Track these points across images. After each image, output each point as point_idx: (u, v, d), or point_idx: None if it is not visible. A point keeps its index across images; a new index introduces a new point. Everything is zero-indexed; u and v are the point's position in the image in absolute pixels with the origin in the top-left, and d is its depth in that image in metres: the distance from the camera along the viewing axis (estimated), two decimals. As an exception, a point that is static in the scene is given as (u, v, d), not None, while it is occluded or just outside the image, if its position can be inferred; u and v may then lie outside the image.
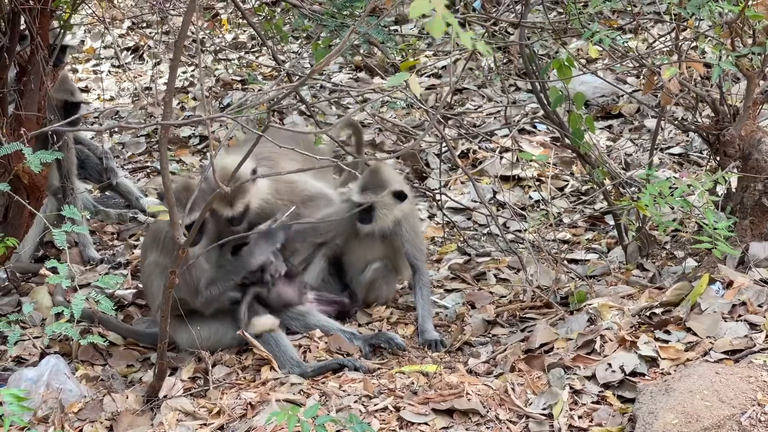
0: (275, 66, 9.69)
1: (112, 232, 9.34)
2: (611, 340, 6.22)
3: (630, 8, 7.73)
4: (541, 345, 6.51)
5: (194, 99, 11.98)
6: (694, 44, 7.34)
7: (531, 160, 8.12)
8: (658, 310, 6.46)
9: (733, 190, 7.10)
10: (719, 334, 6.08)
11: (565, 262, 7.75)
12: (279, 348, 6.75)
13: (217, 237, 6.76)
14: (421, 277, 7.32)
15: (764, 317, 6.16)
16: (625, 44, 7.52)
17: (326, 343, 6.92)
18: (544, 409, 5.81)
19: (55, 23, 7.73)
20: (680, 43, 6.89)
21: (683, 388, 5.50)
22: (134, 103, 12.00)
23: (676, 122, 8.09)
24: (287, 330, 7.03)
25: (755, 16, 6.61)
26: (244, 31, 13.33)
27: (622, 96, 10.65)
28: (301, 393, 6.24)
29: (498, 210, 9.03)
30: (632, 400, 5.72)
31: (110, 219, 9.48)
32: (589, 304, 6.74)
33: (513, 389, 6.00)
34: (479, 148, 10.00)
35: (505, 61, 11.59)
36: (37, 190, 7.29)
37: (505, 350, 6.62)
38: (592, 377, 5.98)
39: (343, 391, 6.19)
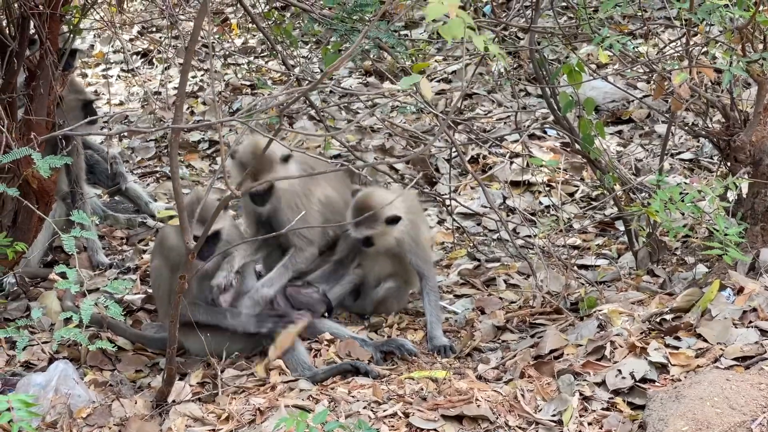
0: (285, 71, 9.68)
1: (121, 236, 9.34)
2: (621, 347, 6.20)
3: (640, 13, 7.69)
4: (551, 351, 6.49)
5: (203, 103, 11.97)
6: (704, 49, 7.33)
7: (541, 166, 8.09)
8: (668, 317, 6.45)
9: (744, 195, 7.08)
10: (730, 341, 6.06)
11: (575, 267, 7.73)
12: (290, 351, 6.74)
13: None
14: (428, 282, 7.30)
15: (775, 324, 6.14)
16: (636, 49, 7.51)
17: (336, 347, 6.91)
18: (553, 415, 5.80)
19: (65, 28, 7.73)
20: (691, 49, 6.87)
21: (694, 394, 5.48)
22: (143, 107, 12.00)
23: (687, 128, 8.07)
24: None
25: (766, 22, 6.60)
26: (254, 35, 13.32)
27: (633, 101, 10.63)
28: (310, 399, 6.23)
29: (508, 215, 9.01)
30: (642, 407, 5.71)
31: (119, 224, 9.47)
32: (599, 310, 6.72)
33: (522, 395, 5.98)
34: (489, 153, 9.99)
35: (515, 66, 11.57)
36: (46, 195, 7.29)
37: (514, 356, 6.60)
38: (602, 384, 5.97)
39: (352, 396, 6.17)
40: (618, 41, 6.61)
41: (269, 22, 9.89)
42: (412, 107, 9.00)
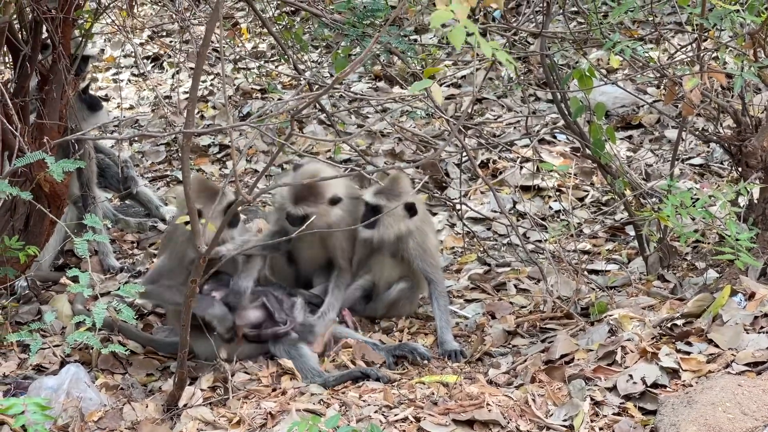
0: (295, 75, 9.70)
1: (132, 240, 9.35)
2: (632, 352, 6.20)
3: (651, 18, 7.70)
4: (562, 356, 6.49)
5: (213, 108, 11.99)
6: (715, 54, 7.32)
7: (552, 171, 8.10)
8: (679, 322, 6.44)
9: (755, 201, 7.07)
10: (741, 346, 6.05)
11: (586, 272, 7.73)
12: (300, 359, 6.75)
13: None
14: (436, 287, 7.30)
15: (787, 329, 6.14)
16: (646, 54, 7.51)
17: (349, 352, 6.93)
18: (564, 420, 5.79)
19: (77, 32, 7.75)
20: (702, 54, 6.87)
21: (705, 400, 5.47)
22: (154, 111, 12.02)
23: (697, 133, 8.07)
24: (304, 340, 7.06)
25: (777, 27, 6.60)
26: (264, 40, 13.34)
27: (643, 106, 10.63)
28: (321, 403, 6.23)
29: (518, 220, 9.01)
30: (654, 412, 5.70)
31: (130, 228, 9.49)
32: (610, 315, 6.71)
33: (533, 400, 5.98)
34: (499, 158, 10.00)
35: (525, 71, 11.57)
36: (58, 199, 7.31)
37: (525, 361, 6.60)
38: (613, 389, 5.96)
39: (363, 401, 6.17)
40: (629, 46, 6.61)
41: (280, 27, 9.90)
42: (423, 112, 9.01)
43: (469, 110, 10.66)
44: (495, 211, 9.11)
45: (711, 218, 6.61)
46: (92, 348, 6.92)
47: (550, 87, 7.81)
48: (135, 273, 8.59)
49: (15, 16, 7.11)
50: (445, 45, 11.83)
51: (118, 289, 5.77)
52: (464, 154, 8.07)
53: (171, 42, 13.49)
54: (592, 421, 5.74)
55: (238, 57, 12.43)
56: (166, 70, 13.18)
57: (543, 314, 7.28)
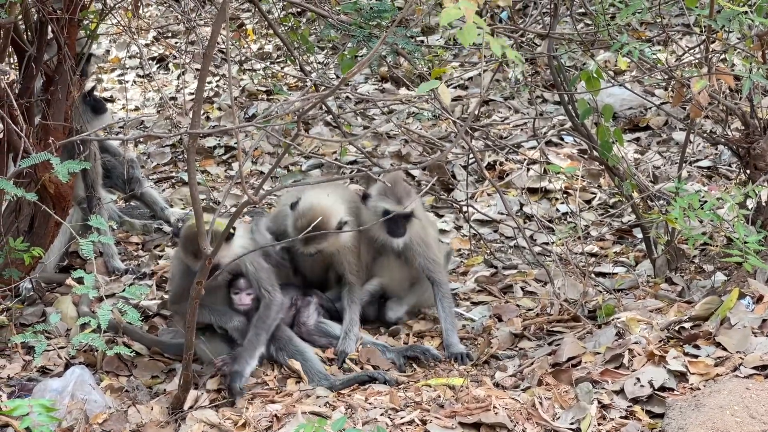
0: (301, 76, 9.67)
1: (137, 242, 9.34)
2: (640, 355, 6.17)
3: (659, 20, 7.68)
4: (569, 359, 6.46)
5: (219, 109, 11.98)
6: (723, 56, 7.30)
7: (559, 173, 8.07)
8: (687, 325, 6.42)
9: (764, 203, 7.05)
10: (749, 349, 6.03)
11: (593, 275, 7.70)
12: (306, 362, 6.73)
13: None
14: (440, 288, 7.25)
15: (795, 332, 6.11)
16: (654, 56, 7.48)
17: (357, 354, 6.92)
18: (571, 423, 5.77)
19: (82, 33, 7.74)
20: (710, 56, 6.84)
21: (713, 403, 5.45)
22: (159, 113, 12.00)
23: (705, 135, 8.04)
24: (313, 342, 7.04)
25: (786, 29, 6.58)
26: (270, 41, 13.33)
27: (651, 108, 10.61)
28: (327, 405, 6.22)
29: (525, 222, 8.99)
30: (661, 416, 5.68)
31: (135, 229, 9.47)
32: (617, 318, 6.69)
33: (540, 403, 5.96)
34: (506, 159, 9.97)
35: (532, 72, 11.55)
36: (63, 200, 7.29)
37: (532, 364, 6.58)
38: (620, 392, 5.94)
39: (369, 404, 6.16)
40: (636, 48, 6.58)
41: (285, 28, 9.88)
42: (429, 113, 8.98)
43: (476, 112, 10.63)
44: (502, 213, 9.09)
45: (719, 221, 6.59)
46: (97, 350, 6.90)
47: (558, 89, 7.78)
48: (140, 275, 8.58)
49: (20, 17, 7.10)
50: (451, 46, 11.81)
51: (123, 290, 5.77)
52: (471, 155, 8.03)
53: (176, 43, 13.48)
54: (599, 424, 5.72)
55: (243, 58, 12.42)
56: (172, 71, 13.17)
57: (550, 317, 7.25)
